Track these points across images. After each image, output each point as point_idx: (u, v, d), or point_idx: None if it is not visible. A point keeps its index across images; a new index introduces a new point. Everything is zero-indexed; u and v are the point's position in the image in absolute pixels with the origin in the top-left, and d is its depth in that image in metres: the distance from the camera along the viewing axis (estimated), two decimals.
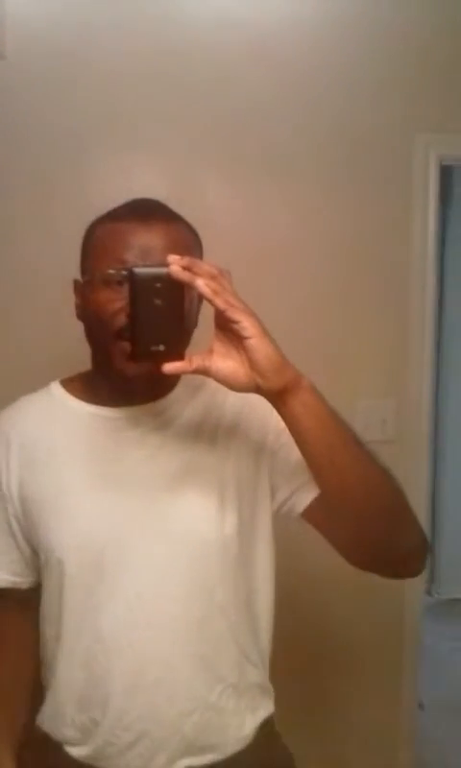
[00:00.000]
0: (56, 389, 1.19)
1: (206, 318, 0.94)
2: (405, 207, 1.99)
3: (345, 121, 1.95)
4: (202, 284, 0.87)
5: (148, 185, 1.86)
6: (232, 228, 1.89)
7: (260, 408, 0.98)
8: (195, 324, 1.07)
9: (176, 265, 0.88)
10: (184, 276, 0.87)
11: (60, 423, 1.15)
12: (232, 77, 1.90)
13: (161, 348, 0.90)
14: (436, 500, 3.99)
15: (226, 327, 0.89)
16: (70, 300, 1.15)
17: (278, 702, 1.20)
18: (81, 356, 1.16)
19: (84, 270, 1.12)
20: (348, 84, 1.94)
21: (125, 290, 0.93)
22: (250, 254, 1.88)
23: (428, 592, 4.00)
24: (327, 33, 1.92)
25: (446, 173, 2.06)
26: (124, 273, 0.94)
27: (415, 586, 2.11)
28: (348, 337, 2.00)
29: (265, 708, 1.18)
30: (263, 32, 1.90)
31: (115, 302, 1.01)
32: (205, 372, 0.91)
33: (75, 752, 1.12)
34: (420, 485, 2.08)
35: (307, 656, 1.98)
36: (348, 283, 1.99)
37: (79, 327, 1.13)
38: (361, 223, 1.98)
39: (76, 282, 1.14)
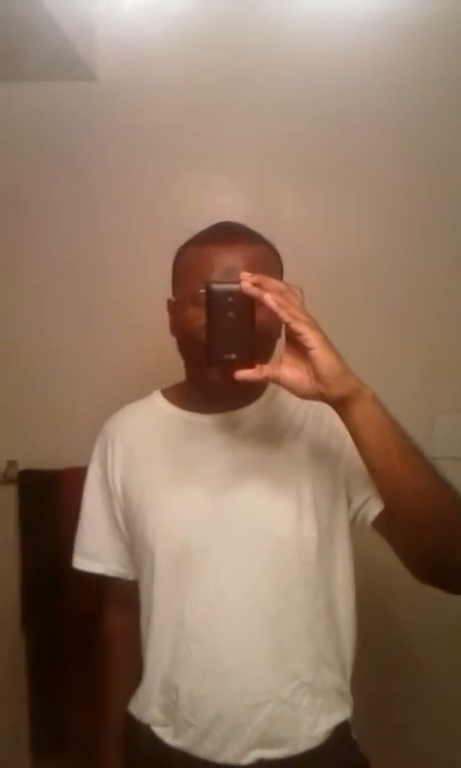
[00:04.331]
0: (156, 396, 1.31)
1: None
2: None
3: (426, 141, 1.94)
4: (269, 298, 0.94)
5: (229, 205, 1.93)
6: (310, 247, 1.91)
7: (338, 419, 1.02)
8: (278, 336, 1.12)
9: (246, 281, 0.96)
10: (254, 291, 0.95)
11: (156, 427, 1.27)
12: (312, 98, 1.92)
13: (233, 356, 0.98)
14: None
15: (293, 339, 0.96)
16: (155, 315, 1.25)
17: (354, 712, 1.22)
18: (168, 369, 1.25)
19: (175, 290, 1.22)
20: (430, 105, 1.93)
21: None
22: (327, 270, 1.89)
23: None
24: (410, 53, 1.92)
25: None
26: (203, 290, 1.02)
27: None
28: (427, 352, 1.98)
29: (342, 713, 1.20)
30: (347, 52, 1.91)
31: (202, 319, 1.07)
32: (274, 379, 0.98)
33: (162, 733, 1.20)
34: None
35: (380, 669, 1.97)
36: (424, 299, 1.98)
37: (165, 342, 1.22)
38: (441, 240, 1.97)
39: (169, 302, 1.24)
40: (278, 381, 0.98)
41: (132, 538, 1.25)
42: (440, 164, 1.95)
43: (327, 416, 1.15)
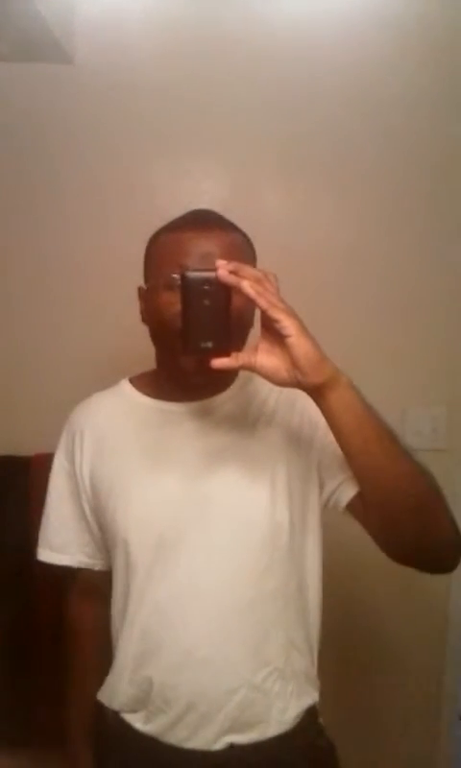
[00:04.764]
0: (125, 385, 1.30)
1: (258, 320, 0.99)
2: (458, 217, 1.98)
3: (406, 134, 1.95)
4: (246, 285, 0.95)
5: (206, 192, 1.92)
6: (288, 235, 1.91)
7: (312, 406, 1.03)
8: (250, 324, 1.13)
9: (223, 269, 0.96)
10: (230, 278, 0.95)
11: (128, 416, 1.25)
12: (294, 87, 1.92)
13: (210, 344, 0.98)
14: None
15: (269, 326, 0.97)
16: (128, 304, 1.23)
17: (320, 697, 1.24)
18: (138, 357, 1.24)
19: (147, 277, 1.20)
20: (411, 98, 1.94)
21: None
22: (304, 260, 1.90)
23: None
24: (392, 46, 1.92)
25: None
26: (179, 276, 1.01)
27: (459, 595, 2.10)
28: (399, 344, 2.00)
29: (310, 696, 1.22)
30: (326, 43, 1.91)
31: (176, 305, 1.07)
32: (250, 367, 0.99)
33: (131, 719, 1.20)
34: None
35: (348, 661, 2.00)
36: (400, 292, 1.99)
37: (137, 330, 1.20)
38: (418, 230, 1.98)
39: (140, 289, 1.22)
40: (254, 369, 0.99)
41: (102, 528, 1.24)
42: (418, 156, 1.96)
43: (299, 400, 1.16)
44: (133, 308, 1.22)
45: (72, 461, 1.28)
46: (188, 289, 0.98)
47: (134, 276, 1.22)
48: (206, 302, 0.97)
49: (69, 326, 1.96)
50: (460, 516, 1.08)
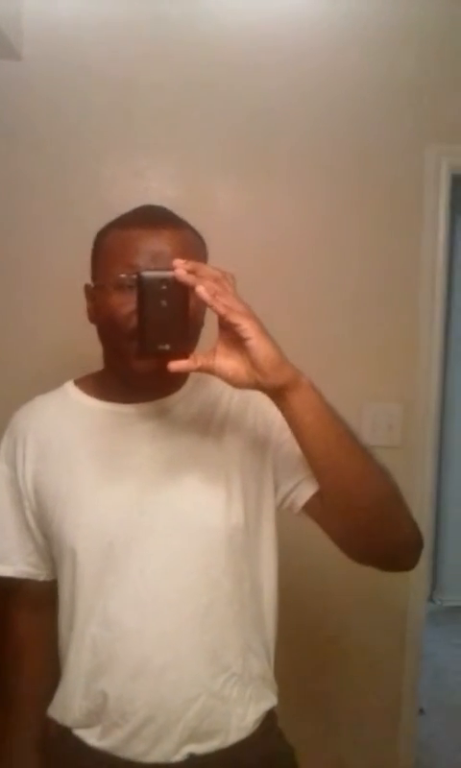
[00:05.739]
0: (70, 387, 1.24)
1: (213, 318, 0.97)
2: (416, 215, 2.00)
3: (356, 130, 1.96)
4: (202, 290, 0.92)
5: (158, 189, 1.90)
6: (241, 234, 1.91)
7: (265, 405, 1.02)
8: (201, 324, 1.10)
9: (181, 269, 0.93)
10: (188, 278, 0.92)
11: (74, 419, 1.20)
12: (243, 84, 1.92)
13: (167, 347, 0.95)
14: (440, 507, 3.99)
15: (228, 328, 0.94)
16: (78, 302, 1.19)
17: (278, 702, 1.22)
18: (90, 357, 1.20)
19: (95, 275, 1.16)
20: (359, 93, 1.96)
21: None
22: (257, 259, 1.90)
23: (431, 599, 4.00)
24: (338, 42, 1.94)
25: (457, 182, 2.07)
26: (133, 276, 0.98)
27: (418, 592, 2.12)
28: (355, 343, 2.01)
29: (268, 700, 1.20)
30: (275, 40, 1.91)
31: (128, 305, 1.04)
32: (208, 370, 0.96)
33: (85, 735, 1.15)
34: (425, 491, 2.08)
35: (308, 659, 2.00)
36: (356, 289, 2.00)
37: (88, 330, 1.17)
38: (371, 230, 1.99)
39: (87, 287, 1.18)
40: (212, 372, 0.96)
41: (48, 536, 1.19)
42: (372, 153, 1.97)
43: (253, 400, 1.14)
44: (82, 307, 1.19)
45: (14, 467, 1.22)
46: (145, 290, 0.94)
47: (82, 274, 1.18)
48: (163, 303, 0.94)
49: (14, 326, 1.92)
50: (416, 512, 1.08)
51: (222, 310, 0.92)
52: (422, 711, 2.40)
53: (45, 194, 1.91)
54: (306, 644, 1.95)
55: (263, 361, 0.93)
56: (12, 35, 1.83)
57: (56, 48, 1.90)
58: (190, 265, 0.93)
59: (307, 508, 1.14)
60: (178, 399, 1.19)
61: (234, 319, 0.92)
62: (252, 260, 1.82)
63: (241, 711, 1.15)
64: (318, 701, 2.06)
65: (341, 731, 2.09)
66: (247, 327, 0.92)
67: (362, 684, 2.09)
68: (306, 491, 1.13)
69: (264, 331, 0.94)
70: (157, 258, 1.05)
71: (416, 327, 2.03)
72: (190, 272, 0.93)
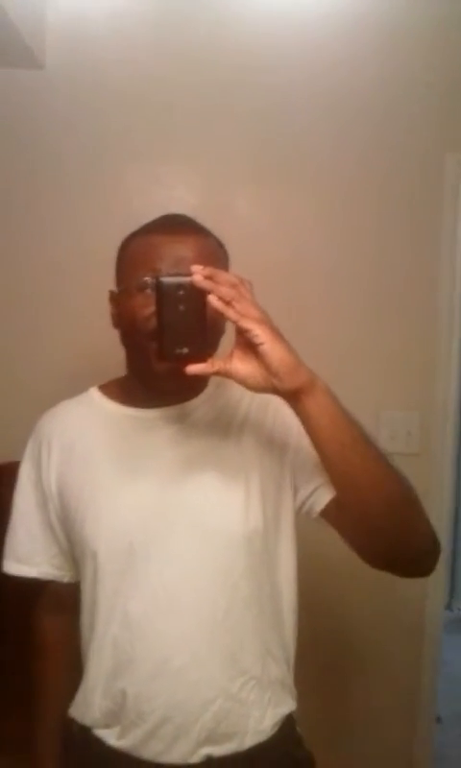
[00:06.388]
0: (94, 393, 1.27)
1: (232, 324, 0.98)
2: (435, 223, 2.00)
3: (377, 138, 1.97)
4: (214, 298, 0.94)
5: (180, 198, 1.91)
6: (261, 241, 1.92)
7: (285, 409, 1.02)
8: (222, 331, 1.11)
9: (198, 274, 0.94)
10: (206, 284, 0.94)
11: (98, 424, 1.23)
12: (265, 96, 1.93)
13: (185, 350, 0.97)
14: (459, 514, 3.96)
15: (243, 334, 0.95)
16: (101, 310, 1.21)
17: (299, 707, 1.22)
18: (111, 364, 1.22)
19: (119, 281, 1.19)
20: (380, 102, 1.96)
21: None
22: (277, 266, 1.90)
23: (448, 607, 3.97)
24: (361, 53, 1.94)
25: None
26: (153, 281, 1.00)
27: (435, 600, 2.11)
28: (374, 350, 2.01)
29: (287, 705, 1.20)
30: (298, 51, 1.92)
31: (148, 307, 1.06)
32: (225, 373, 0.97)
33: (105, 735, 1.16)
34: (443, 498, 2.08)
35: (325, 666, 1.99)
36: (375, 297, 2.00)
37: (110, 336, 1.19)
38: (390, 237, 1.99)
39: (111, 293, 1.21)
40: (229, 375, 0.97)
41: (70, 538, 1.21)
42: (392, 162, 1.97)
43: (272, 404, 1.15)
44: (106, 314, 1.21)
45: (39, 470, 1.24)
46: (163, 294, 0.96)
47: (107, 282, 1.20)
48: (182, 308, 0.96)
49: (40, 333, 1.95)
50: (435, 519, 1.08)
51: (234, 316, 0.94)
52: (439, 720, 2.39)
53: (69, 203, 1.93)
54: (322, 651, 1.95)
55: (278, 365, 0.94)
56: (34, 45, 1.86)
57: (78, 57, 1.92)
58: (207, 271, 0.95)
59: (325, 513, 1.15)
60: (198, 404, 1.21)
61: (247, 324, 0.93)
62: (272, 267, 1.83)
63: (259, 714, 1.15)
64: (335, 708, 2.06)
65: (356, 738, 2.08)
66: (259, 333, 0.93)
67: (379, 692, 2.09)
68: (324, 496, 1.14)
69: (278, 336, 0.95)
70: (179, 264, 1.06)
71: (434, 334, 2.03)
72: (207, 277, 0.95)
